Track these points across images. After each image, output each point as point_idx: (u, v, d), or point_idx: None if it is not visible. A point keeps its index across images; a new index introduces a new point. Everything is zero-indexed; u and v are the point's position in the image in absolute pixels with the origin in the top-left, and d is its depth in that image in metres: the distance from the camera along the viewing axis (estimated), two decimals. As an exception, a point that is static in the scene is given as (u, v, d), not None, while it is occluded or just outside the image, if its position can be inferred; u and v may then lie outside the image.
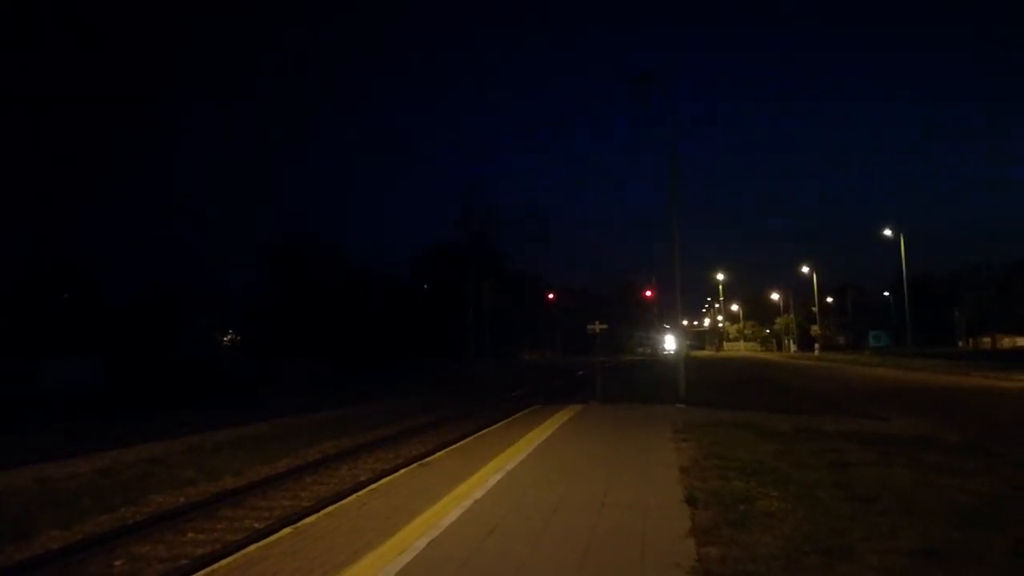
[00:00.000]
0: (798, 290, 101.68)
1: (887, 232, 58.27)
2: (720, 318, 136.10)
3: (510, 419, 18.08)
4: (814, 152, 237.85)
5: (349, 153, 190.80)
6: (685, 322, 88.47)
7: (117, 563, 7.74)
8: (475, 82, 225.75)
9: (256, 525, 9.04)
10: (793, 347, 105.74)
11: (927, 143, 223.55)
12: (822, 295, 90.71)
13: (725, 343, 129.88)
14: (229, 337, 72.68)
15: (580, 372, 48.89)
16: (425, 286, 73.65)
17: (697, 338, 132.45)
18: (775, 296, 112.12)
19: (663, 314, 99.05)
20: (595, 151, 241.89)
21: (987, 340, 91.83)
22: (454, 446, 13.69)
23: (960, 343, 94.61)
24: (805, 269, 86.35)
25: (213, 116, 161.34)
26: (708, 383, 30.02)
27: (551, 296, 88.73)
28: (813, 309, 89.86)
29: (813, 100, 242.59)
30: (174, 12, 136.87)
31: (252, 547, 6.66)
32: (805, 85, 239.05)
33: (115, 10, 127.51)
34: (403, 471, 10.91)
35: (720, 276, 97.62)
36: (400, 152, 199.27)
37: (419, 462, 11.80)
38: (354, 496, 9.00)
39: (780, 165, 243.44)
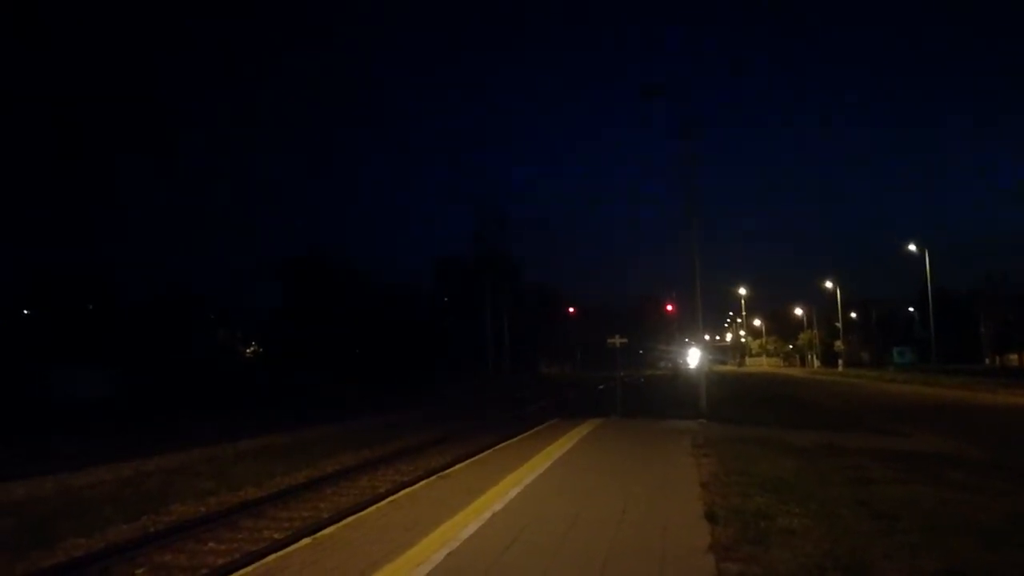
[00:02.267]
0: (821, 305, 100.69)
1: (911, 247, 57.75)
2: (742, 333, 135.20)
3: (529, 432, 18.04)
4: (833, 164, 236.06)
5: (355, 162, 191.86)
6: (707, 337, 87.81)
7: (139, 571, 7.84)
8: (488, 94, 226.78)
9: (276, 536, 9.10)
10: (816, 363, 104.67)
11: (946, 154, 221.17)
12: (845, 310, 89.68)
13: (747, 358, 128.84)
14: (252, 349, 73.04)
15: (600, 386, 48.69)
16: (445, 299, 73.82)
17: (719, 353, 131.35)
18: (798, 311, 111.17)
19: (684, 328, 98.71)
20: (613, 162, 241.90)
21: (1014, 357, 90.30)
22: (473, 458, 13.67)
23: (987, 360, 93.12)
24: (828, 284, 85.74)
25: (218, 128, 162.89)
26: (730, 398, 29.84)
27: (572, 310, 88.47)
28: (836, 324, 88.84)
29: (834, 111, 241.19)
30: (182, 17, 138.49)
31: (271, 557, 6.70)
32: (824, 96, 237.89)
33: (121, 12, 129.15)
34: (422, 483, 10.92)
35: (742, 290, 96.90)
36: (406, 158, 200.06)
37: (438, 474, 11.80)
38: (373, 507, 9.02)
39: (799, 177, 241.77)
